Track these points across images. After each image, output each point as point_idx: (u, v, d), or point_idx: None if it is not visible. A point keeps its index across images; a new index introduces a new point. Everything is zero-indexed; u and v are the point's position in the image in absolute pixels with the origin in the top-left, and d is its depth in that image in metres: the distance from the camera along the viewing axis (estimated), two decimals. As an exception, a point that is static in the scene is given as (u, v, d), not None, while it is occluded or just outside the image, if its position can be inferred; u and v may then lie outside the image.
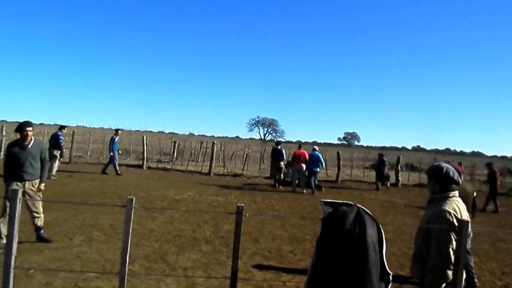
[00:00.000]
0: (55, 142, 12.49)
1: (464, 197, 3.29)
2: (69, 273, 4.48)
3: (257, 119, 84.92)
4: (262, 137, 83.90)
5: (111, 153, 14.45)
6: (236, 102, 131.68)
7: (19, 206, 2.99)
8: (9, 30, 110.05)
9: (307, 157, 13.60)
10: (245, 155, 21.54)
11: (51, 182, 11.09)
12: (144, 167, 16.96)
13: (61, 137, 12.74)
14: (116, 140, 14.57)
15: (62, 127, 13.26)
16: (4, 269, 3.00)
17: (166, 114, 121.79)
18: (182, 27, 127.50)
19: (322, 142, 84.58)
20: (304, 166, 13.57)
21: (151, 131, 57.77)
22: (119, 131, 15.21)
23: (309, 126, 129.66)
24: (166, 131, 63.72)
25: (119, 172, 14.46)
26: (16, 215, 2.94)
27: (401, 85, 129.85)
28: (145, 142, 17.52)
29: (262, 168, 19.82)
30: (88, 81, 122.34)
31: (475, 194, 5.57)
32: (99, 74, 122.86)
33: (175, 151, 21.25)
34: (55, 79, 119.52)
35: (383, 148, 76.66)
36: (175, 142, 21.35)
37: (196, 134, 66.29)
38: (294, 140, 76.90)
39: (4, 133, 17.06)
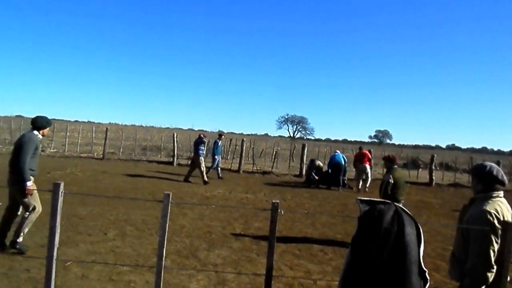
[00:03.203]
0: None
1: None
2: (103, 266, 4.64)
3: (286, 117, 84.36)
4: (292, 134, 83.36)
5: (215, 157, 14.07)
6: (265, 99, 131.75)
7: (61, 199, 3.12)
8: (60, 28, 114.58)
9: (370, 157, 13.66)
10: (274, 152, 21.51)
11: (85, 178, 11.52)
12: (175, 164, 17.26)
13: None
14: (219, 144, 14.45)
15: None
16: (47, 261, 3.15)
17: (196, 112, 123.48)
18: (211, 25, 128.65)
19: (352, 140, 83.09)
20: (368, 166, 13.63)
21: (181, 129, 58.85)
22: (223, 136, 15.12)
23: (339, 123, 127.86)
24: (196, 129, 64.73)
25: (220, 175, 14.27)
26: (58, 208, 3.07)
27: (436, 83, 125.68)
28: (175, 139, 17.84)
29: (292, 166, 19.73)
30: (120, 79, 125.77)
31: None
32: (129, 72, 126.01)
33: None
34: (89, 78, 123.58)
35: (416, 146, 74.46)
36: (205, 139, 21.61)
37: (226, 131, 66.85)
38: (323, 138, 76.10)
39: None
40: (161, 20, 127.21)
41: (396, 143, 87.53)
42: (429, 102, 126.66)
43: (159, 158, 19.02)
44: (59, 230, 3.16)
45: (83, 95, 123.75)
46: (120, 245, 5.57)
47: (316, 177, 14.19)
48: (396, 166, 6.77)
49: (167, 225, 3.19)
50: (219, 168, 14.35)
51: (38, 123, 5.12)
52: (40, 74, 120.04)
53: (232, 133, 59.18)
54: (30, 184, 4.82)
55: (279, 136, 75.13)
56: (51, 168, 12.78)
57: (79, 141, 19.89)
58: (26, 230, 4.98)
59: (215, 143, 14.37)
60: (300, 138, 77.01)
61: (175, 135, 18.09)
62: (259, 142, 27.67)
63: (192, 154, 13.57)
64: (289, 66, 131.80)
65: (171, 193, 3.11)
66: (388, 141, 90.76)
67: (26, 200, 4.88)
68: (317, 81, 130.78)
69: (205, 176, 12.41)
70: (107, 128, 18.40)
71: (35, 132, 5.08)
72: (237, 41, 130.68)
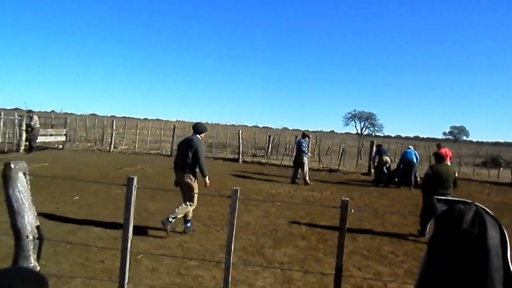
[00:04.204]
0: None
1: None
2: (172, 260, 4.76)
3: (353, 113, 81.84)
4: (359, 131, 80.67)
5: (307, 158, 13.36)
6: (331, 95, 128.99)
7: (134, 193, 3.21)
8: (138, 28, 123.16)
9: (451, 155, 12.88)
10: (341, 150, 20.89)
11: (155, 174, 12.08)
12: (240, 161, 17.48)
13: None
14: (307, 143, 13.83)
15: None
16: (121, 252, 3.26)
17: (261, 109, 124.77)
18: (278, 23, 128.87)
19: (424, 136, 78.08)
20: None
21: (246, 126, 59.73)
22: (309, 136, 14.62)
23: (410, 120, 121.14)
24: (260, 126, 65.35)
25: (298, 176, 13.71)
26: (132, 202, 3.16)
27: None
28: (240, 136, 18.04)
29: (359, 163, 19.00)
30: (186, 78, 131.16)
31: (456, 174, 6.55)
32: (195, 71, 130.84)
33: (270, 145, 21.56)
34: (156, 77, 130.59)
35: (497, 143, 67.90)
36: (269, 137, 21.63)
37: (290, 128, 66.62)
38: (393, 135, 72.59)
39: (114, 128, 18.77)
40: (228, 18, 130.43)
41: (474, 140, 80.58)
42: (510, 96, 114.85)
43: (224, 155, 19.42)
44: (132, 223, 3.26)
45: (152, 93, 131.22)
46: (188, 240, 5.70)
47: (385, 175, 13.42)
48: (446, 163, 7.01)
49: (235, 225, 3.14)
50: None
51: (199, 129, 6.13)
52: (112, 74, 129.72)
53: (297, 130, 58.86)
54: (207, 179, 6.00)
55: (346, 133, 72.99)
56: (123, 164, 13.46)
57: (148, 138, 20.80)
58: (179, 215, 5.78)
59: (299, 142, 14.13)
60: (368, 135, 74.26)
61: (240, 132, 18.28)
62: (325, 139, 27.05)
63: (294, 154, 13.09)
64: (355, 61, 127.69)
65: (239, 188, 3.05)
66: (464, 138, 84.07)
67: (192, 194, 5.80)
68: (386, 76, 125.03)
69: (307, 177, 12.22)
70: (174, 126, 19.12)
71: (198, 136, 6.04)
72: (303, 38, 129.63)
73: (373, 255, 5.64)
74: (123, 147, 19.89)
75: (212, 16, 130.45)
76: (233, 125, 57.44)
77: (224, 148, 21.70)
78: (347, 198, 3.05)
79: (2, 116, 15.62)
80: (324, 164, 17.85)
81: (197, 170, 5.94)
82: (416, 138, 77.19)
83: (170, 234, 5.85)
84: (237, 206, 3.11)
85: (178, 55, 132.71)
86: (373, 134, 75.47)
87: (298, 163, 12.55)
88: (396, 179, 13.15)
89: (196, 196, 5.89)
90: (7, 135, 15.67)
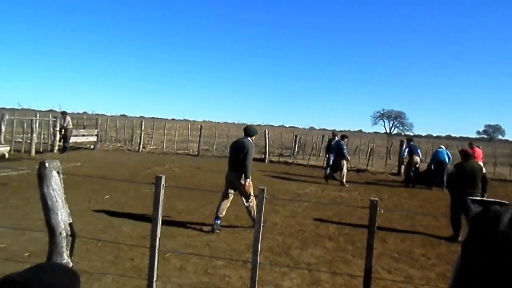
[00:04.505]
0: None
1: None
2: (199, 259, 4.79)
3: (382, 112, 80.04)
4: (388, 130, 78.85)
5: (346, 159, 13.08)
6: (359, 94, 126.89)
7: (162, 191, 3.25)
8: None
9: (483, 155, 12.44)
10: (369, 149, 20.49)
11: (182, 173, 12.24)
12: (266, 161, 17.44)
13: None
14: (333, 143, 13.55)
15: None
16: (150, 250, 3.31)
17: (287, 108, 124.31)
18: (306, 22, 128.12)
19: (457, 136, 75.45)
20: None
21: (272, 125, 59.68)
22: (336, 136, 14.12)
23: (441, 118, 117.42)
24: (287, 125, 65.09)
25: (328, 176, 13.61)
26: (160, 200, 3.20)
27: None
28: (266, 136, 18.01)
29: (388, 163, 18.57)
30: (213, 78, 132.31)
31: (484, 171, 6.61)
32: (222, 71, 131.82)
33: (296, 145, 21.41)
34: (183, 78, 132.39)
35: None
36: (296, 136, 21.49)
37: (317, 128, 66.11)
38: (423, 134, 70.56)
39: (142, 128, 19.23)
40: (257, 18, 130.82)
41: (510, 139, 77.07)
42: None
43: (251, 155, 19.42)
44: (160, 221, 3.30)
45: (179, 94, 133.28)
46: (215, 239, 5.73)
47: (414, 175, 12.99)
48: (472, 160, 6.86)
49: (262, 224, 3.12)
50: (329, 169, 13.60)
51: (250, 132, 6.50)
52: (142, 76, 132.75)
53: (324, 129, 58.28)
54: (249, 181, 6.22)
55: (374, 132, 71.46)
56: (151, 163, 13.72)
57: (175, 138, 21.13)
58: (252, 212, 6.03)
59: (329, 142, 13.96)
60: (398, 134, 72.39)
61: (266, 132, 18.25)
62: (353, 138, 26.55)
63: (333, 155, 12.62)
64: (383, 59, 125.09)
65: (265, 188, 3.02)
66: (500, 137, 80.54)
67: (246, 191, 6.14)
68: (416, 74, 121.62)
69: (345, 179, 12.07)
70: (201, 126, 19.31)
71: (249, 138, 6.38)
72: (330, 37, 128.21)
73: (403, 257, 5.48)
74: (151, 147, 20.27)
75: (240, 16, 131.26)
76: (259, 125, 57.49)
77: (250, 148, 21.70)
78: (376, 198, 2.96)
79: (38, 117, 16.26)
80: (352, 164, 17.54)
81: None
82: (448, 137, 74.74)
83: (197, 233, 5.94)
84: (264, 205, 3.08)
85: (205, 56, 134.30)
86: (403, 134, 73.55)
87: (337, 165, 12.27)
88: (428, 180, 12.74)
89: (251, 191, 6.22)
90: (42, 136, 16.29)
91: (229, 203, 6.32)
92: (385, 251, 5.67)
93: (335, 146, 12.65)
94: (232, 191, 6.33)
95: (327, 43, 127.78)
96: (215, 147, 20.30)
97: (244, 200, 6.23)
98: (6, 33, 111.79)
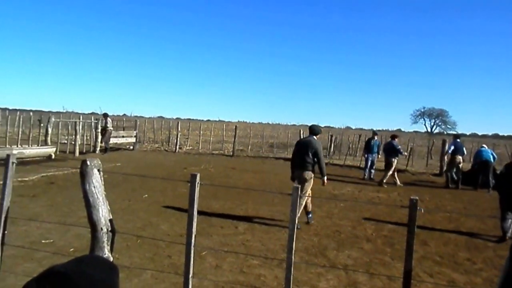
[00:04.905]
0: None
1: None
2: (235, 258, 4.82)
3: (422, 110, 77.04)
4: (429, 129, 75.85)
5: (368, 156, 13.22)
6: (397, 93, 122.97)
7: (197, 189, 3.29)
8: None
9: None
10: (409, 149, 19.81)
11: (217, 173, 12.36)
12: (302, 161, 17.27)
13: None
14: (372, 143, 13.40)
15: None
16: (186, 247, 3.36)
17: (322, 108, 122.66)
18: (337, 24, 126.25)
19: (505, 134, 71.25)
20: None
21: (307, 125, 59.15)
22: (376, 135, 13.97)
23: (488, 116, 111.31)
24: (322, 125, 64.24)
25: (372, 176, 13.35)
26: (195, 198, 3.24)
27: None
28: (301, 136, 17.83)
29: (430, 163, 17.88)
30: (247, 79, 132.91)
31: None
32: (256, 72, 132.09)
33: (332, 145, 21.08)
34: (219, 80, 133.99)
35: None
36: (331, 136, 21.17)
37: (353, 127, 64.82)
38: (468, 133, 67.31)
39: (179, 129, 19.60)
40: (296, 19, 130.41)
41: None
42: None
43: (285, 155, 19.37)
44: (196, 219, 3.34)
45: (214, 96, 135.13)
46: (250, 239, 5.74)
47: (456, 176, 12.36)
48: None
49: (296, 223, 3.09)
50: (372, 170, 13.39)
51: (316, 130, 6.78)
52: (178, 78, 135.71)
53: (360, 129, 57.08)
54: (326, 178, 6.79)
55: (414, 131, 68.89)
56: (187, 164, 13.96)
57: (211, 139, 21.44)
58: (308, 207, 6.65)
59: (369, 141, 13.65)
60: (439, 133, 69.44)
61: (301, 132, 18.12)
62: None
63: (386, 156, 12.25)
64: (423, 56, 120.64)
65: (299, 186, 2.99)
66: (556, 135, 75.30)
67: (305, 186, 6.44)
68: (459, 70, 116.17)
69: (385, 179, 11.81)
70: (236, 126, 19.45)
71: (314, 137, 6.69)
72: (364, 36, 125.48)
73: (446, 261, 5.25)
74: (187, 147, 20.68)
75: (275, 17, 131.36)
76: (294, 125, 57.21)
77: (285, 148, 21.65)
78: (416, 197, 2.84)
79: (81, 120, 17.07)
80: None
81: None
82: (495, 136, 70.70)
83: (233, 232, 5.98)
84: (298, 204, 3.05)
85: (240, 58, 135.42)
86: (445, 133, 70.47)
87: (389, 164, 11.93)
88: (473, 181, 12.09)
89: (309, 190, 6.60)
90: (85, 137, 17.06)
91: (310, 198, 6.66)
92: (427, 255, 5.46)
93: (387, 147, 12.24)
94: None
95: (362, 42, 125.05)
96: (249, 147, 20.41)
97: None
98: (52, 43, 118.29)
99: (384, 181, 11.71)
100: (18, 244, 4.57)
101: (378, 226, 6.88)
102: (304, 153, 6.51)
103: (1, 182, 3.26)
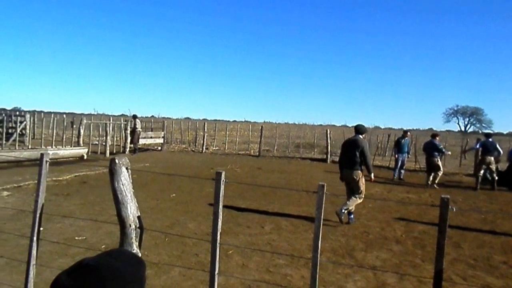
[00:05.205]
0: None
1: None
2: (261, 257, 4.81)
3: (455, 108, 74.37)
4: (463, 128, 73.13)
5: (398, 155, 13.14)
6: (428, 91, 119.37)
7: (222, 187, 3.31)
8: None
9: None
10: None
11: (243, 173, 12.40)
12: (328, 161, 17.08)
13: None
14: (403, 142, 13.31)
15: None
16: (211, 244, 3.39)
17: (350, 108, 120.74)
18: (371, 23, 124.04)
19: (545, 132, 67.48)
20: None
21: (334, 125, 58.36)
22: (408, 133, 13.87)
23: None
24: (350, 125, 63.23)
25: (401, 177, 13.25)
26: (221, 196, 3.26)
27: None
28: (328, 135, 17.64)
29: (463, 164, 17.25)
30: (273, 80, 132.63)
31: None
32: (282, 73, 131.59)
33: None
34: (244, 81, 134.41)
35: None
36: (359, 136, 20.81)
37: (382, 127, 63.36)
38: (505, 132, 64.42)
39: (205, 130, 19.85)
40: (322, 21, 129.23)
41: None
42: None
43: (312, 155, 19.21)
44: (221, 216, 3.36)
45: (240, 96, 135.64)
46: (276, 238, 5.72)
47: (489, 176, 11.78)
48: None
49: (322, 221, 3.05)
50: (402, 170, 13.17)
51: (361, 130, 6.92)
52: (204, 80, 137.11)
53: (389, 128, 55.80)
54: (373, 175, 6.92)
55: (447, 130, 66.53)
56: (214, 164, 14.10)
57: (237, 139, 21.60)
58: (350, 207, 6.62)
59: (399, 141, 13.35)
60: (474, 132, 66.78)
61: (328, 132, 17.89)
62: (423, 137, 25.01)
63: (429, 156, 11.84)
64: (456, 54, 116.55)
65: (325, 184, 2.95)
66: None
67: (359, 187, 6.61)
68: (495, 65, 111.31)
69: (437, 180, 11.51)
70: (262, 127, 19.47)
71: (360, 136, 6.82)
72: (393, 36, 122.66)
73: (480, 264, 5.05)
74: (214, 148, 20.91)
75: (302, 19, 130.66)
76: (320, 125, 56.65)
77: (311, 148, 21.48)
78: (448, 196, 2.74)
79: (111, 121, 17.58)
80: (422, 164, 16.56)
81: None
82: (534, 134, 67.38)
83: (259, 232, 5.97)
84: (323, 201, 3.00)
85: (266, 60, 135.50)
86: (480, 131, 67.72)
87: (432, 166, 11.61)
88: (509, 181, 11.55)
89: (363, 189, 6.72)
90: (115, 139, 17.56)
91: (361, 198, 6.77)
92: (460, 257, 5.26)
93: (428, 146, 11.86)
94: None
95: (390, 42, 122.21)
96: (275, 147, 20.37)
97: (353, 195, 6.64)
98: (86, 48, 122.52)
99: (437, 181, 11.36)
100: (53, 240, 4.77)
101: (408, 227, 6.70)
102: (351, 152, 6.65)
103: (36, 181, 3.40)
